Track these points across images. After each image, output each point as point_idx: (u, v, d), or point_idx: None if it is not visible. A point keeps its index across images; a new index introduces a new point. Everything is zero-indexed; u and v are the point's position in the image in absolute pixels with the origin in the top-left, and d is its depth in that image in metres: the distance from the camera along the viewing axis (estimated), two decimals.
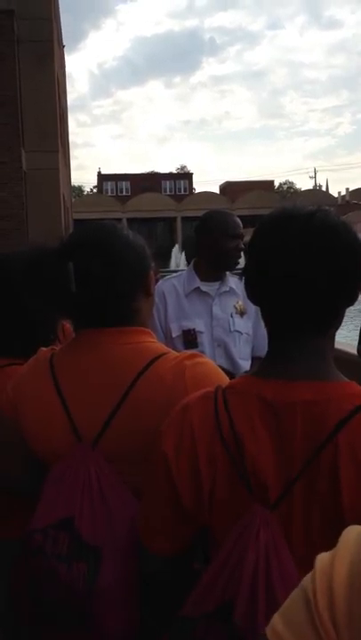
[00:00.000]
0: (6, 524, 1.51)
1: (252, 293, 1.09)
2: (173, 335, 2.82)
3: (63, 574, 1.19)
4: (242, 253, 2.71)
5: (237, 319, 2.80)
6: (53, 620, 1.25)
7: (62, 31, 25.80)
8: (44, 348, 1.44)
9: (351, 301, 1.05)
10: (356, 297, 1.05)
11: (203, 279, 2.86)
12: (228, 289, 2.82)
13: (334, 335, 1.08)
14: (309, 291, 1.00)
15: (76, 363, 1.35)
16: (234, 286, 2.85)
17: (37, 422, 1.34)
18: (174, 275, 3.06)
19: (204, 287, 2.85)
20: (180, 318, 2.83)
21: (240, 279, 2.84)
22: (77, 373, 1.33)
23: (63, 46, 26.72)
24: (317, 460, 0.95)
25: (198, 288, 2.85)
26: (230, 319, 2.80)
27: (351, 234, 1.03)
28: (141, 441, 1.21)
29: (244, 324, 2.81)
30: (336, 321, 1.05)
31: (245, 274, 1.10)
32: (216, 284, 2.85)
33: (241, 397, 1.05)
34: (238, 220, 2.87)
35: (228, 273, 2.87)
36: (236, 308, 2.81)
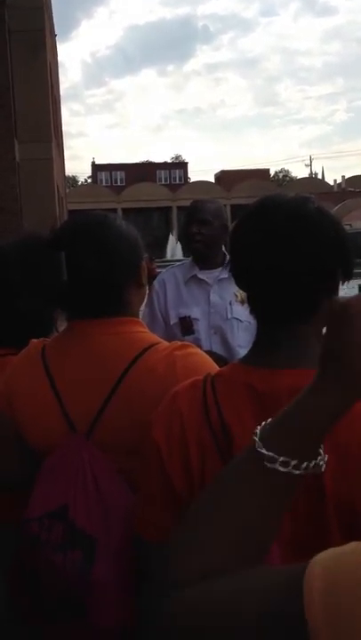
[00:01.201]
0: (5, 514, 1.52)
1: (239, 282, 1.10)
2: (171, 322, 2.87)
3: (59, 563, 1.20)
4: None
5: (237, 306, 2.81)
6: (54, 619, 1.25)
7: (54, 20, 25.61)
8: (35, 340, 1.45)
9: (332, 292, 1.06)
10: (337, 287, 1.06)
11: (202, 267, 2.89)
12: (227, 276, 2.82)
13: (322, 325, 1.09)
14: (292, 283, 1.00)
15: (68, 353, 1.35)
16: None
17: (31, 414, 1.35)
18: (177, 264, 3.13)
19: (201, 275, 2.88)
20: (178, 306, 2.88)
21: None
22: (69, 364, 1.34)
23: (55, 35, 26.55)
24: None
25: (195, 276, 2.88)
26: (228, 306, 2.82)
27: (333, 224, 1.04)
28: (134, 431, 1.22)
29: (243, 312, 2.81)
30: (320, 310, 1.06)
31: (230, 264, 1.11)
32: (215, 272, 2.87)
33: (228, 385, 1.06)
34: (204, 206, 2.86)
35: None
36: (236, 296, 2.82)
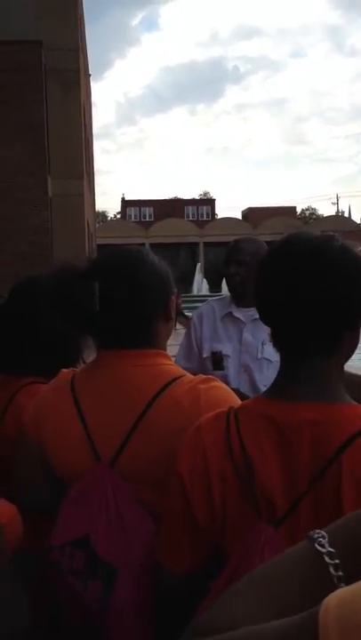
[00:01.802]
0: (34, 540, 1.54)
1: (262, 316, 1.14)
2: (204, 355, 2.91)
3: (80, 590, 1.21)
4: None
5: (268, 347, 2.80)
6: None
7: (89, 60, 26.36)
8: (65, 369, 1.49)
9: (353, 327, 1.08)
10: (359, 323, 1.08)
11: (238, 305, 2.92)
12: None
13: (343, 359, 1.11)
14: (311, 316, 1.03)
15: (96, 383, 1.39)
16: None
17: (58, 442, 1.38)
18: (217, 298, 3.19)
19: (237, 313, 2.92)
20: (213, 340, 2.92)
21: None
22: (96, 394, 1.37)
23: (89, 75, 27.29)
24: (322, 479, 0.98)
25: (231, 313, 2.92)
26: (260, 346, 2.83)
27: (355, 260, 1.06)
28: (157, 462, 1.24)
29: (274, 353, 2.82)
30: (341, 345, 1.09)
31: (256, 298, 1.15)
32: (251, 311, 2.87)
33: (251, 417, 1.08)
34: (243, 246, 2.90)
35: None
36: (269, 336, 2.83)
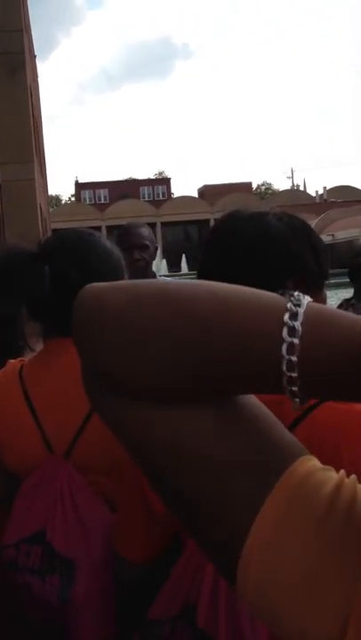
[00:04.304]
0: None
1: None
2: None
3: (37, 588, 1.19)
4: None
5: None
6: None
7: (34, 41, 25.78)
8: (12, 360, 1.44)
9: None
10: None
11: None
12: None
13: None
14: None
15: (46, 373, 1.35)
16: None
17: (8, 435, 1.34)
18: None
19: None
20: None
21: None
22: (47, 384, 1.34)
23: (35, 56, 26.71)
24: None
25: None
26: None
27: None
28: (112, 450, 1.22)
29: None
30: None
31: (204, 274, 1.13)
32: None
33: None
34: (141, 231, 3.17)
35: None
36: None
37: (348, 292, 4.07)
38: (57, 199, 67.75)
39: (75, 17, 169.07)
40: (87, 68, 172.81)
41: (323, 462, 0.54)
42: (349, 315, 0.50)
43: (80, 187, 55.16)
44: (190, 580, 0.99)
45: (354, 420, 0.93)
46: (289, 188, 57.99)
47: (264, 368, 0.49)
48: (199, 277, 1.10)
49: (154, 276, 3.30)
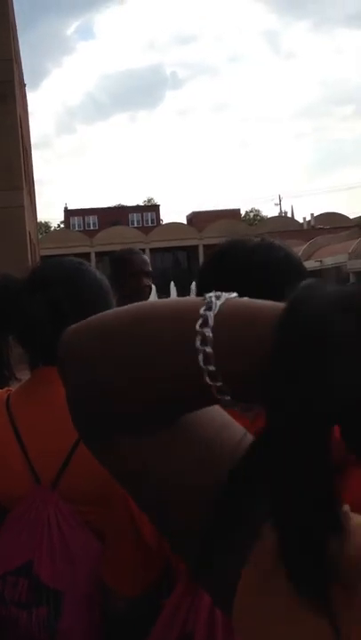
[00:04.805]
0: None
1: None
2: None
3: (24, 622, 1.17)
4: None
5: None
6: None
7: (24, 70, 26.10)
8: None
9: None
10: None
11: None
12: None
13: None
14: None
15: (33, 403, 1.34)
16: None
17: None
18: None
19: None
20: None
21: None
22: (34, 414, 1.32)
23: (25, 85, 26.99)
24: None
25: None
26: None
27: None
28: (100, 481, 1.20)
29: None
30: None
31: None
32: None
33: None
34: (145, 258, 3.38)
35: None
36: None
37: None
38: (46, 226, 67.88)
39: (65, 47, 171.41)
40: (77, 97, 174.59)
41: None
42: (268, 307, 0.45)
43: (69, 213, 55.38)
44: (187, 609, 0.97)
45: None
46: (277, 214, 58.53)
47: (191, 381, 0.46)
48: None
49: None
